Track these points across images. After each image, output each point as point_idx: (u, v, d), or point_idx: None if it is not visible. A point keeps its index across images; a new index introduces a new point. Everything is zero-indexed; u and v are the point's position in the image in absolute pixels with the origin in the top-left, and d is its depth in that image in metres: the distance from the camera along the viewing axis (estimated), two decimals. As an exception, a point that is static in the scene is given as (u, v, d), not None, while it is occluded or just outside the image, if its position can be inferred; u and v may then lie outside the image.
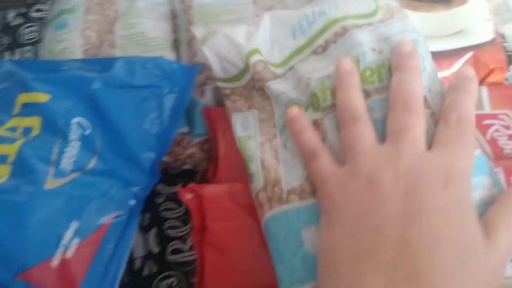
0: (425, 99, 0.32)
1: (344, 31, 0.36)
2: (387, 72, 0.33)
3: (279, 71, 0.38)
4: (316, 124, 0.34)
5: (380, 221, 0.26)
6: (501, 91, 0.40)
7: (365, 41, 0.35)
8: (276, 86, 0.37)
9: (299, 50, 0.38)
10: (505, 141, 0.38)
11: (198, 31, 0.42)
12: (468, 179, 0.28)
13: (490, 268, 0.26)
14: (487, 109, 0.39)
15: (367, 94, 0.33)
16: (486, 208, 0.29)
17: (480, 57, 0.41)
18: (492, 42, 0.42)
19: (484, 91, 0.40)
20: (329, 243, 0.28)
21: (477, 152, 0.31)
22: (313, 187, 0.32)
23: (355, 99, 0.32)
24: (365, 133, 0.30)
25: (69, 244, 0.36)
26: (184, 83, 0.43)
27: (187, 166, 0.46)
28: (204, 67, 0.45)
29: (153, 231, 0.46)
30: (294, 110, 0.34)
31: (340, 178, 0.30)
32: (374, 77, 0.33)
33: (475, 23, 0.43)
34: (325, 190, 0.30)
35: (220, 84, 0.41)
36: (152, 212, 0.47)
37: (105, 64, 0.43)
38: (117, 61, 0.43)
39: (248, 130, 0.39)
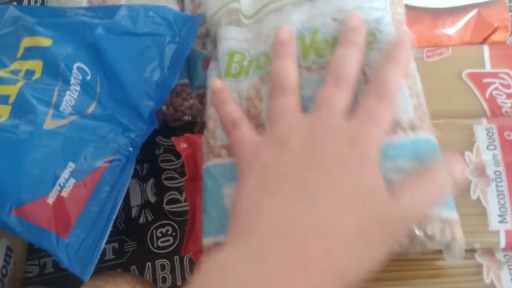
0: (364, 73, 0.32)
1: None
2: None
3: (248, 21, 0.38)
4: (255, 89, 0.35)
5: (284, 168, 0.27)
6: (503, 51, 0.39)
7: (329, 10, 0.34)
8: (229, 32, 0.38)
9: (268, 4, 0.37)
10: (504, 100, 0.37)
11: None
12: (373, 145, 0.28)
13: (391, 218, 0.27)
14: (488, 68, 0.39)
15: (310, 68, 0.33)
16: None
17: (485, 14, 0.41)
18: (498, 0, 0.41)
19: (486, 49, 0.39)
20: (238, 194, 0.29)
21: (427, 136, 0.31)
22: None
23: (288, 70, 0.32)
24: (290, 105, 0.31)
25: (65, 184, 0.36)
26: (186, 33, 0.43)
27: (186, 118, 0.46)
28: (206, 19, 0.45)
29: (151, 181, 0.47)
30: (218, 83, 0.35)
31: (256, 143, 0.30)
32: (327, 50, 0.33)
33: (482, -19, 0.42)
34: (241, 153, 0.31)
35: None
36: (150, 163, 0.47)
37: (108, 11, 0.43)
38: (120, 8, 0.43)
39: (209, 78, 0.39)
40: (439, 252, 0.32)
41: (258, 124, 0.33)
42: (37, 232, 0.35)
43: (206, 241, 0.33)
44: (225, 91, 0.34)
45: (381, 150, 0.29)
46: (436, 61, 0.40)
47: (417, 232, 0.30)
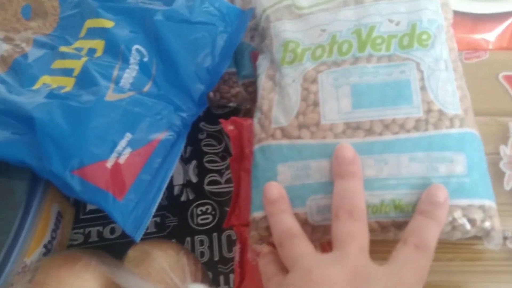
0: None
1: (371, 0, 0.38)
2: (397, 42, 0.36)
3: (300, 12, 0.41)
4: (309, 75, 0.37)
5: None
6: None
7: (385, 12, 0.38)
8: (283, 25, 0.40)
9: (326, 1, 0.40)
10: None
11: None
12: None
13: None
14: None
15: (368, 60, 0.36)
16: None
17: (523, 22, 0.44)
18: (536, 9, 0.44)
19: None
20: None
21: (472, 130, 0.34)
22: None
23: (358, 196, 0.32)
24: (357, 233, 0.31)
25: (123, 152, 0.39)
26: (237, 25, 0.46)
27: (232, 104, 0.49)
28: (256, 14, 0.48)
29: (193, 163, 0.49)
30: (274, 191, 0.34)
31: (317, 259, 0.31)
32: (382, 45, 0.36)
33: (521, -9, 0.45)
34: (298, 264, 0.31)
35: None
36: (193, 147, 0.50)
37: (168, 0, 0.46)
38: (179, -2, 0.46)
39: (259, 68, 0.42)
40: (474, 237, 0.34)
41: (311, 104, 0.36)
42: (95, 192, 0.37)
43: (256, 214, 0.35)
44: (282, 200, 0.34)
45: None
46: (474, 63, 0.42)
47: (460, 220, 0.32)
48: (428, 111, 0.34)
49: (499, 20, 0.44)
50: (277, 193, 0.34)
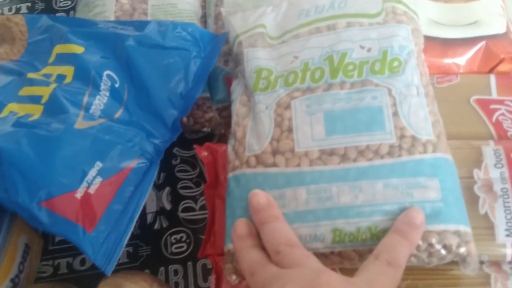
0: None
1: (345, 26, 0.39)
2: (368, 68, 0.37)
3: (273, 42, 0.41)
4: (282, 101, 0.37)
5: None
6: (509, 80, 0.43)
7: (357, 39, 0.38)
8: (256, 53, 0.40)
9: (297, 27, 0.41)
10: (509, 124, 0.40)
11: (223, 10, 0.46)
12: None
13: None
14: (494, 95, 0.42)
15: (341, 86, 0.36)
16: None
17: (492, 46, 0.44)
18: (504, 35, 0.45)
19: (492, 79, 0.43)
20: None
21: (445, 155, 0.34)
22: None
23: (285, 230, 0.33)
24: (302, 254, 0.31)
25: (93, 181, 0.38)
26: (210, 50, 0.46)
27: (205, 129, 0.48)
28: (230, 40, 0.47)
29: (167, 189, 0.48)
30: (245, 229, 0.34)
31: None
32: (354, 72, 0.37)
33: (489, 16, 0.45)
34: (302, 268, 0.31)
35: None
36: (167, 173, 0.49)
37: (138, 25, 0.46)
38: (150, 23, 0.46)
39: (234, 93, 0.42)
40: (451, 263, 0.34)
41: (285, 130, 0.36)
42: (64, 225, 0.36)
43: (232, 246, 0.34)
44: (251, 236, 0.34)
45: None
46: (446, 87, 0.43)
47: (436, 245, 0.32)
48: (401, 137, 0.34)
49: (469, 45, 0.44)
50: (246, 230, 0.33)
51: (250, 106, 0.39)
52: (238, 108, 0.40)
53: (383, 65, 0.37)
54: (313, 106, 0.36)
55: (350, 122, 0.35)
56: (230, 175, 0.37)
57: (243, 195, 0.35)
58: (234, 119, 0.39)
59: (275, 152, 0.35)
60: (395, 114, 0.35)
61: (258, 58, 0.40)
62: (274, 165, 0.35)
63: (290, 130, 0.36)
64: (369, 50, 0.37)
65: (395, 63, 0.37)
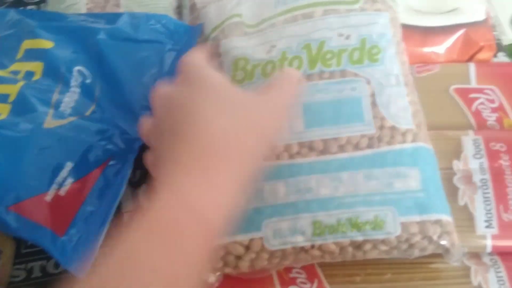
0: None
1: (322, 13, 0.38)
2: (347, 57, 0.36)
3: (249, 30, 0.40)
4: None
5: None
6: (488, 68, 0.42)
7: (335, 26, 0.37)
8: (231, 43, 0.39)
9: (274, 16, 0.40)
10: (489, 113, 0.40)
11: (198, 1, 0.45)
12: None
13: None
14: (474, 84, 0.41)
15: (320, 76, 0.35)
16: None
17: (472, 34, 0.44)
18: (483, 22, 0.44)
19: (472, 67, 0.42)
20: None
21: (425, 145, 0.34)
22: None
23: None
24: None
25: (63, 183, 0.36)
26: (186, 42, 0.44)
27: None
28: (205, 32, 0.46)
29: (143, 187, 0.47)
30: None
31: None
32: (333, 61, 0.36)
33: (468, 3, 0.45)
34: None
35: None
36: (143, 169, 0.48)
37: (110, 18, 0.44)
38: (122, 15, 0.44)
39: None
40: (431, 255, 0.33)
41: None
42: (33, 229, 0.35)
43: None
44: None
45: None
46: (426, 76, 0.42)
47: (416, 236, 0.31)
48: (381, 127, 0.34)
49: (449, 33, 0.44)
50: None
51: None
52: None
53: (362, 53, 0.36)
54: None
55: (329, 114, 0.34)
56: None
57: None
58: None
59: None
60: (374, 104, 0.34)
61: (235, 47, 0.39)
62: None
63: None
64: (347, 37, 0.36)
65: (374, 51, 0.36)
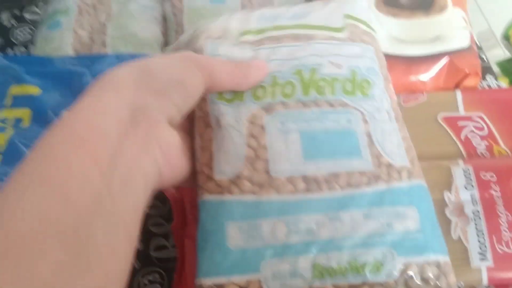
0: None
1: (308, 38, 0.37)
2: (340, 87, 0.35)
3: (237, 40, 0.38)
4: (254, 117, 0.34)
5: None
6: (475, 95, 0.42)
7: (326, 54, 0.36)
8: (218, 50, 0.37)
9: (261, 31, 0.38)
10: (478, 141, 0.39)
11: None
12: None
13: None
14: (462, 111, 0.41)
15: (316, 104, 0.34)
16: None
17: (457, 62, 0.43)
18: (468, 49, 0.44)
19: (459, 95, 0.42)
20: None
21: (420, 181, 0.33)
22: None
23: None
24: None
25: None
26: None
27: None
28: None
29: (137, 227, 0.46)
30: None
31: None
32: (327, 89, 0.35)
33: (452, 31, 0.45)
34: None
35: None
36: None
37: (96, 59, 0.45)
38: (108, 56, 0.44)
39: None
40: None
41: (259, 151, 0.33)
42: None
43: (204, 281, 0.31)
44: None
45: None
46: (413, 106, 0.42)
47: (415, 278, 0.31)
48: (378, 164, 0.33)
49: (433, 61, 0.44)
50: None
51: (210, 122, 0.35)
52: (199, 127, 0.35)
53: (353, 85, 0.35)
54: (287, 124, 0.34)
55: (328, 146, 0.33)
56: (199, 201, 0.33)
57: (216, 226, 0.32)
58: (197, 141, 0.35)
59: (248, 178, 0.32)
60: (370, 141, 0.33)
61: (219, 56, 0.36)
62: (247, 192, 0.32)
63: (265, 149, 0.33)
64: (339, 67, 0.36)
65: (365, 85, 0.35)
